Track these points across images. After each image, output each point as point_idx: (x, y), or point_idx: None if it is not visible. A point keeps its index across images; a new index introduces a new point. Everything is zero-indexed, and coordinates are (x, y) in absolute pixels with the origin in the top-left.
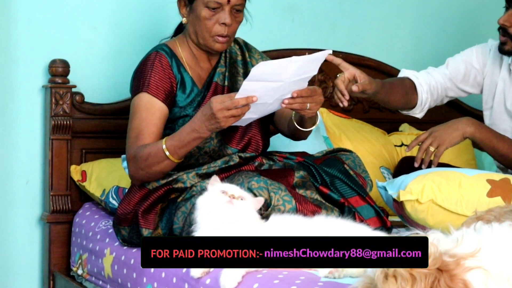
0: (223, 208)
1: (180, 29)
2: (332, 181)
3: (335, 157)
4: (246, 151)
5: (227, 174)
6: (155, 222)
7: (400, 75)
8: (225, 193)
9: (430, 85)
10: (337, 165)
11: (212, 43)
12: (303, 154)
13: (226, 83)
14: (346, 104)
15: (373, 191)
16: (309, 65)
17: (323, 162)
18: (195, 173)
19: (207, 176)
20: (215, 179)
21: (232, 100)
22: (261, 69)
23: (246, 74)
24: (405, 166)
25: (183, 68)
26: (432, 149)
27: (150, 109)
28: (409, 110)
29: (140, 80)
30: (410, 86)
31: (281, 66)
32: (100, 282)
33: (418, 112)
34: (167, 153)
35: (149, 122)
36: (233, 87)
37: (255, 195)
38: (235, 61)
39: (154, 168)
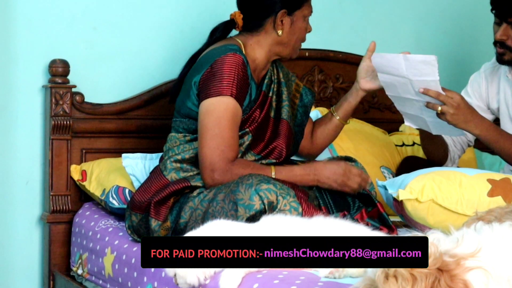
0: None
1: (212, 35)
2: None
3: None
4: (268, 158)
5: None
6: (165, 215)
7: None
8: None
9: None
10: None
11: (297, 51)
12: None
13: (270, 93)
14: None
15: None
16: (424, 68)
17: None
18: None
19: None
20: None
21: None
22: (376, 60)
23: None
24: (408, 166)
25: (250, 74)
26: (439, 109)
27: (236, 118)
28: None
29: (223, 81)
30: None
31: (392, 60)
32: (100, 282)
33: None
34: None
35: (236, 132)
36: (278, 100)
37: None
38: (279, 72)
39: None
